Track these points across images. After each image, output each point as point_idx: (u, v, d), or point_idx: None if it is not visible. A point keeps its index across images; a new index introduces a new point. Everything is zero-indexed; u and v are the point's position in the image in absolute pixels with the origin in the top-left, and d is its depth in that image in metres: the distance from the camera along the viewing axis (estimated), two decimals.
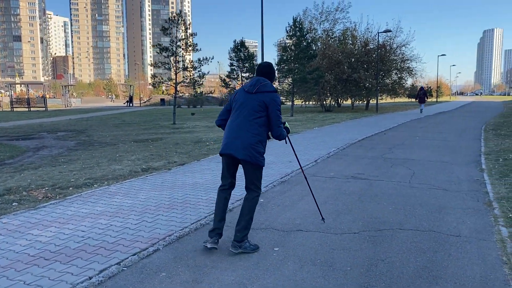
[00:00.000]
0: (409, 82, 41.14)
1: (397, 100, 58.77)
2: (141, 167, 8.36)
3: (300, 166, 5.18)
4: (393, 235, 4.28)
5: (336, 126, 17.78)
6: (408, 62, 34.87)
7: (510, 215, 4.91)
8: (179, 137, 14.58)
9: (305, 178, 5.06)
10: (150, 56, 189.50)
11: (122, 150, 11.24)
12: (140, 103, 66.27)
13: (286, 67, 27.80)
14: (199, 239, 4.24)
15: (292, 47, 27.90)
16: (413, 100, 62.27)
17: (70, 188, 6.54)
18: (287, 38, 29.23)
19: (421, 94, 27.65)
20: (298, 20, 28.09)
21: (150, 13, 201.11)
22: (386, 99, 47.46)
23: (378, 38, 30.66)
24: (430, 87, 67.41)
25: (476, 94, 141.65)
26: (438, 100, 67.91)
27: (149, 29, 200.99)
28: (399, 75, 35.89)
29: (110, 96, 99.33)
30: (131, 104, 59.57)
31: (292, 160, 8.71)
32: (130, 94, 63.49)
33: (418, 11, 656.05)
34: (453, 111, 30.04)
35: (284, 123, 4.07)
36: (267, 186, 6.45)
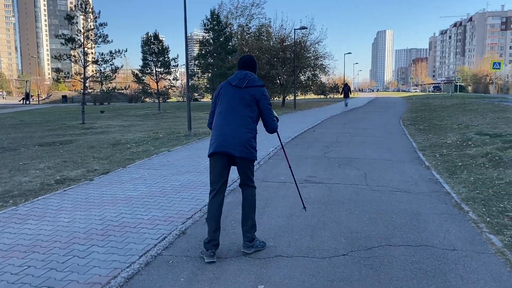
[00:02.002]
0: (322, 79, 42.43)
1: (309, 96, 60.79)
2: (54, 178, 6.95)
3: (284, 150, 4.44)
4: (387, 255, 3.68)
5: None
6: (321, 59, 35.68)
7: (488, 219, 4.62)
8: (92, 138, 12.95)
9: (290, 167, 4.78)
10: (47, 50, 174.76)
11: (26, 156, 9.51)
12: (38, 101, 60.44)
13: (203, 61, 26.71)
14: (155, 279, 3.27)
15: (211, 41, 26.86)
16: (323, 96, 65.51)
17: None
18: (204, 32, 28.09)
19: (346, 90, 30.72)
20: (216, 13, 27.09)
21: (45, 2, 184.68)
22: (299, 96, 48.50)
23: (294, 35, 30.85)
24: (336, 83, 70.49)
25: (373, 91, 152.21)
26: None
27: (45, 20, 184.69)
28: (312, 72, 36.61)
29: (1, 93, 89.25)
30: (28, 102, 54.18)
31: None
32: (26, 91, 57.72)
33: (329, 8, 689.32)
34: (364, 107, 31.29)
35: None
36: None
